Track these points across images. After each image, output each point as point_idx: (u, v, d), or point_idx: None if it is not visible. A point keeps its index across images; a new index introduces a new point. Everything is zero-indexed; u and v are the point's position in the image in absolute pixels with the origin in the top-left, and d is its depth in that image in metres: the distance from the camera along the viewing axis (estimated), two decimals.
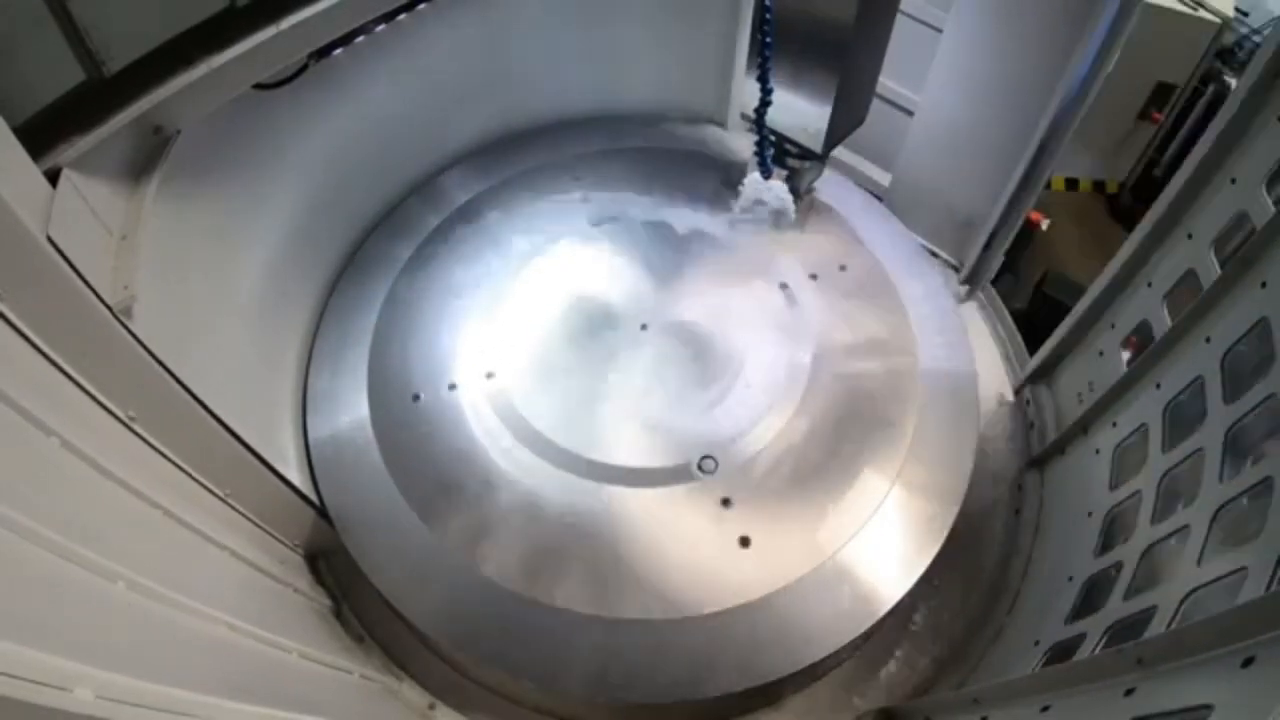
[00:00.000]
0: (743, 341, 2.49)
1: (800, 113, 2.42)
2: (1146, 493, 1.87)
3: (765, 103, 2.41)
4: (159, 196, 1.69)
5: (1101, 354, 2.36)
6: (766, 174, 2.67)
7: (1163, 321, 2.04)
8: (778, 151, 2.63)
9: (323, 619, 2.17)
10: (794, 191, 2.75)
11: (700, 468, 2.22)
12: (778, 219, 2.75)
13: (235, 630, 1.51)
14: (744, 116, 2.53)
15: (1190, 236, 2.00)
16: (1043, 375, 2.69)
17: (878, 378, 2.40)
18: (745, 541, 2.10)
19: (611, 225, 2.79)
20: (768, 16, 2.17)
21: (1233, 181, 1.85)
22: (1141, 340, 2.12)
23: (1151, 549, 1.76)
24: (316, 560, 2.34)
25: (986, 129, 2.69)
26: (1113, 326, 2.33)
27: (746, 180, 2.77)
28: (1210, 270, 1.86)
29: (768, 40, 2.22)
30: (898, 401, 2.36)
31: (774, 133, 2.55)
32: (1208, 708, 0.98)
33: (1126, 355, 2.22)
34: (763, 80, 2.35)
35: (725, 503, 2.17)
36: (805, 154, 2.56)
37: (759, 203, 2.77)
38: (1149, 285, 2.16)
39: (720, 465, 2.23)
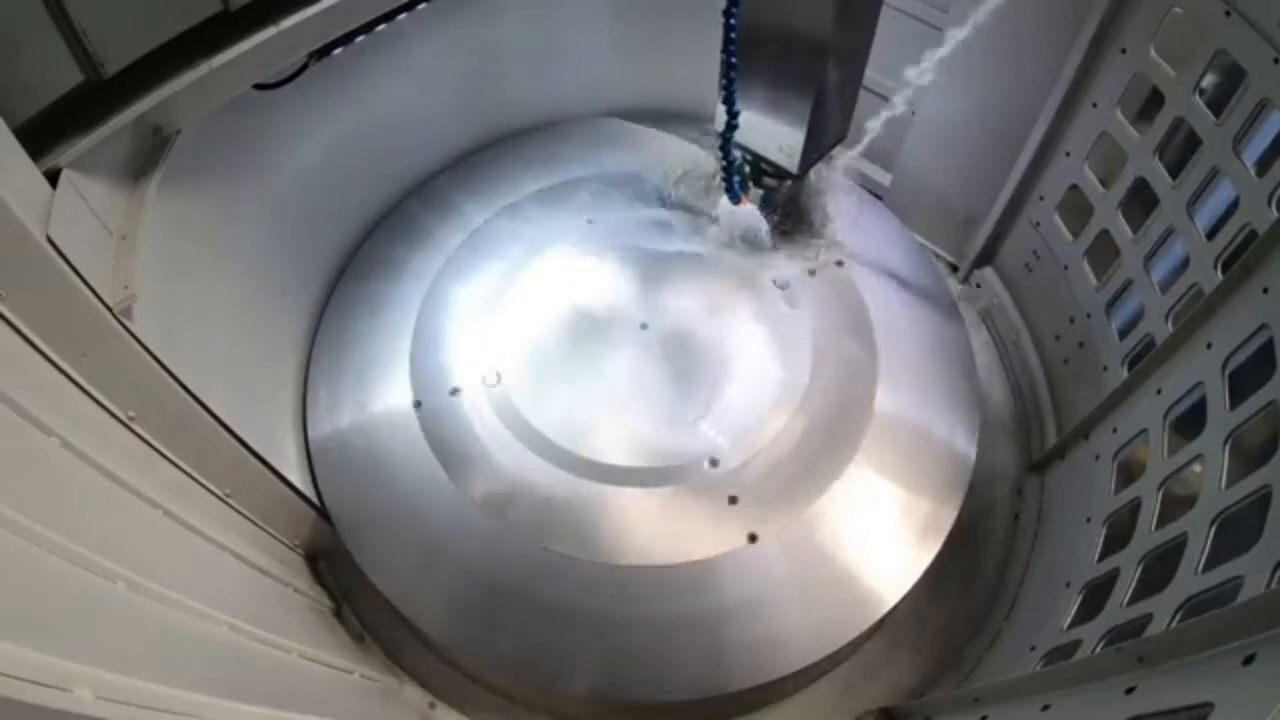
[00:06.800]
0: (741, 344, 2.49)
1: (775, 130, 2.32)
2: (1146, 499, 1.87)
3: (732, 125, 2.29)
4: (159, 196, 1.69)
5: (1038, 225, 2.61)
6: (735, 199, 2.55)
7: (1088, 182, 2.35)
8: (753, 170, 2.53)
9: (323, 619, 2.17)
10: (770, 211, 2.66)
11: (702, 467, 2.22)
12: (752, 243, 2.66)
13: (235, 630, 1.51)
14: (716, 135, 2.40)
15: (1095, 105, 2.27)
16: (987, 259, 2.96)
17: (877, 381, 2.40)
18: (749, 541, 2.10)
19: (612, 226, 2.79)
20: (733, 36, 2.06)
21: (1123, 51, 2.13)
22: (1076, 206, 2.44)
23: (1150, 556, 1.76)
24: (316, 560, 2.34)
25: (986, 127, 2.69)
26: (1041, 199, 2.58)
27: (719, 206, 2.66)
28: (1124, 134, 2.18)
29: (733, 60, 2.12)
30: (897, 404, 2.36)
31: (749, 152, 2.45)
32: (1208, 706, 0.98)
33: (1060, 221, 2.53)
34: (728, 102, 2.23)
35: (731, 501, 2.16)
36: (781, 173, 2.47)
37: (731, 227, 2.67)
38: (1067, 155, 2.43)
39: (722, 465, 2.22)
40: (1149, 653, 1.17)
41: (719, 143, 2.40)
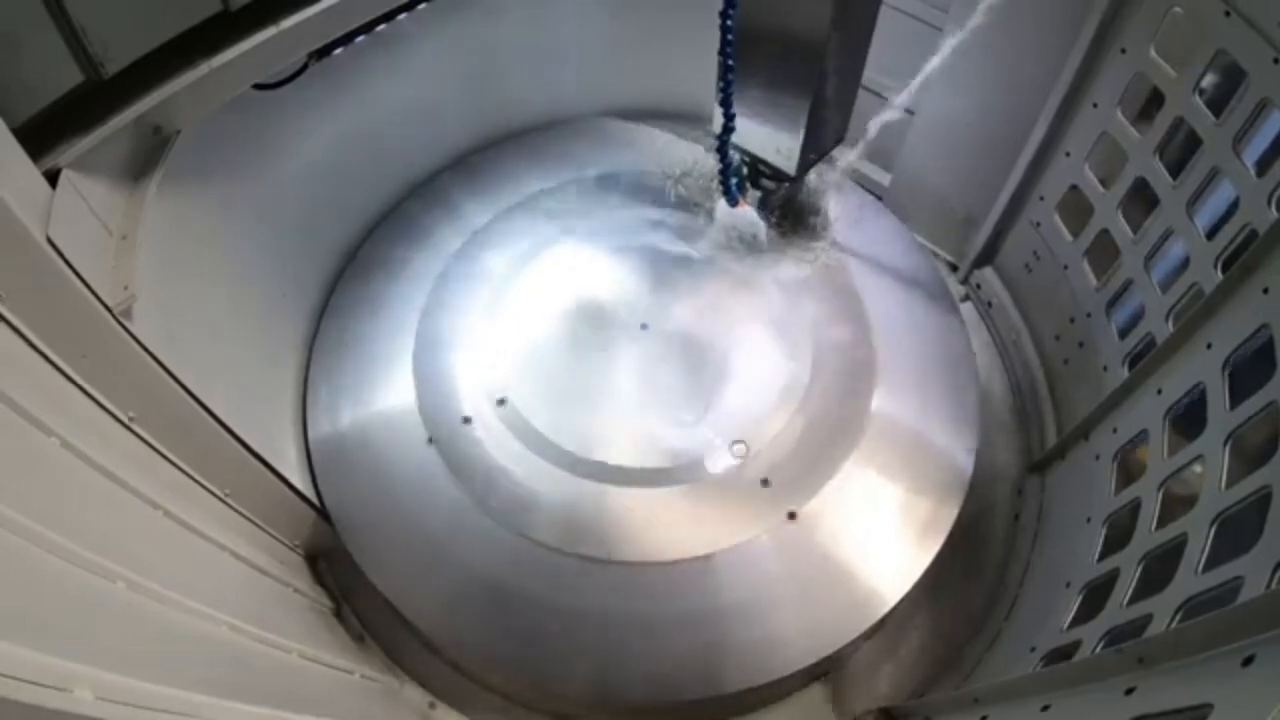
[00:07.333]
0: (741, 344, 2.49)
1: (773, 132, 2.30)
2: (1146, 499, 1.87)
3: (728, 128, 2.30)
4: (159, 197, 1.69)
5: (1038, 225, 2.60)
6: (733, 201, 2.55)
7: (1088, 182, 2.35)
8: (751, 172, 2.52)
9: (323, 619, 2.17)
10: (768, 213, 2.66)
11: (701, 467, 2.22)
12: (750, 244, 2.67)
13: (235, 630, 1.51)
14: (713, 136, 2.39)
15: (1095, 105, 2.26)
16: (987, 259, 2.94)
17: (877, 381, 2.40)
18: (749, 540, 2.10)
19: (612, 226, 2.79)
20: (730, 38, 2.06)
21: (1123, 51, 2.12)
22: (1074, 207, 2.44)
23: (1149, 556, 1.76)
24: (316, 560, 2.34)
25: (986, 127, 2.69)
26: (1042, 199, 2.56)
27: (717, 208, 2.67)
28: (1125, 134, 2.17)
29: (730, 63, 2.11)
30: (897, 404, 2.36)
31: (747, 154, 2.44)
32: (1208, 706, 0.98)
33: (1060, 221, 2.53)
34: (725, 105, 2.23)
35: (730, 502, 2.16)
36: (779, 175, 2.46)
37: (729, 230, 2.68)
38: (1067, 155, 2.41)
39: (721, 465, 2.22)
40: (1149, 653, 1.17)
41: (716, 144, 2.40)
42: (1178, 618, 1.52)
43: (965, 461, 2.29)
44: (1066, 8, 2.23)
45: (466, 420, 2.32)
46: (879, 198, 3.17)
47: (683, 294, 2.60)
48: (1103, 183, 2.32)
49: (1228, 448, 1.61)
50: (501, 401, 2.35)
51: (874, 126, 2.46)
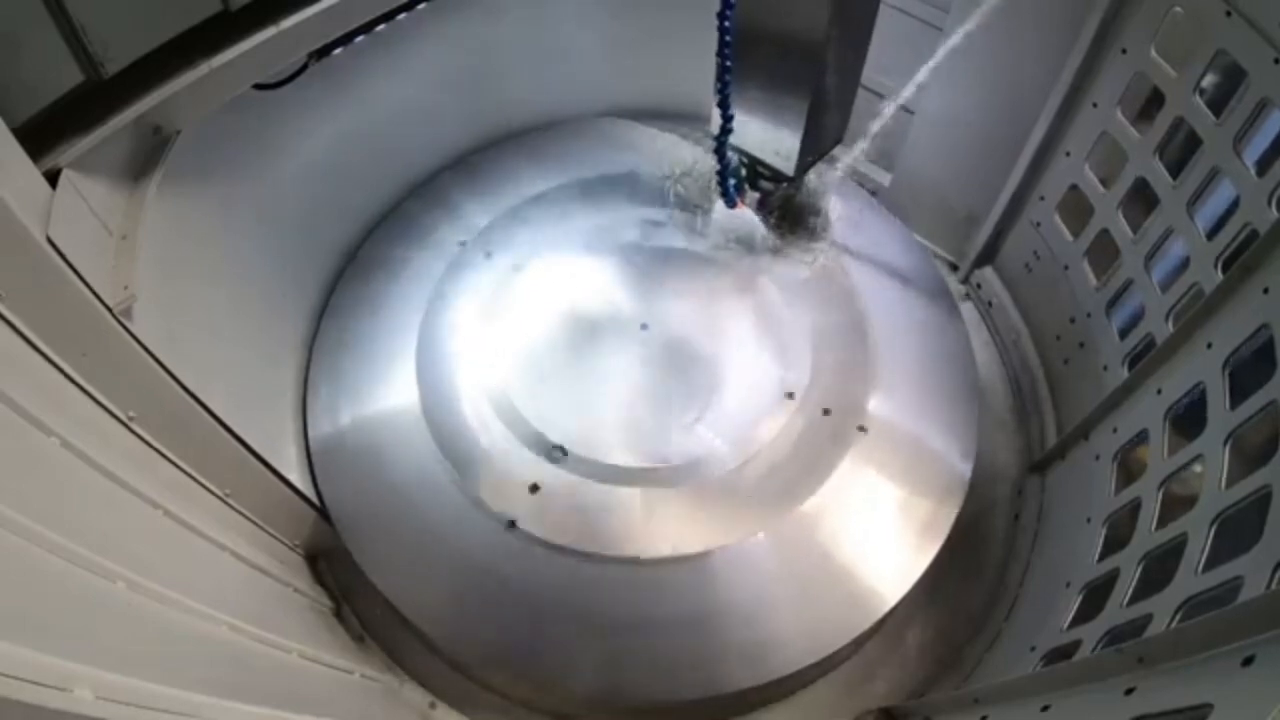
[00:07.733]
0: (741, 344, 2.49)
1: (771, 133, 2.30)
2: (1146, 499, 1.87)
3: (726, 129, 2.31)
4: (159, 196, 1.69)
5: (1039, 225, 2.61)
6: (730, 203, 2.57)
7: (1088, 182, 2.36)
8: (749, 173, 2.53)
9: (323, 619, 2.17)
10: (767, 214, 2.67)
11: (701, 467, 2.22)
12: (749, 245, 2.68)
13: (235, 630, 1.51)
14: (711, 138, 2.40)
15: (1095, 105, 2.28)
16: (987, 259, 2.96)
17: (877, 381, 2.40)
18: (749, 542, 2.10)
19: (612, 226, 2.79)
20: (727, 39, 2.06)
21: (1124, 51, 2.14)
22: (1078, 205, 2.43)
23: (1149, 556, 1.76)
24: (316, 560, 2.34)
25: (986, 127, 2.69)
26: (1042, 199, 2.57)
27: (715, 209, 2.68)
28: (1125, 134, 2.18)
29: (727, 64, 2.12)
30: (897, 404, 2.36)
31: (745, 154, 2.44)
32: (1208, 706, 0.98)
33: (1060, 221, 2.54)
34: (723, 105, 2.24)
35: (730, 502, 2.16)
36: (777, 176, 2.46)
37: (728, 231, 2.70)
38: (1067, 155, 2.42)
39: (721, 465, 2.22)
40: (1149, 653, 1.17)
41: (714, 145, 2.40)
42: (1178, 618, 1.52)
43: (965, 461, 2.29)
44: (1066, 8, 2.23)
45: (467, 419, 2.32)
46: (879, 197, 3.17)
47: (682, 295, 2.60)
48: (1103, 183, 2.32)
49: (1228, 448, 1.61)
50: (502, 401, 2.34)
51: (874, 127, 2.46)
